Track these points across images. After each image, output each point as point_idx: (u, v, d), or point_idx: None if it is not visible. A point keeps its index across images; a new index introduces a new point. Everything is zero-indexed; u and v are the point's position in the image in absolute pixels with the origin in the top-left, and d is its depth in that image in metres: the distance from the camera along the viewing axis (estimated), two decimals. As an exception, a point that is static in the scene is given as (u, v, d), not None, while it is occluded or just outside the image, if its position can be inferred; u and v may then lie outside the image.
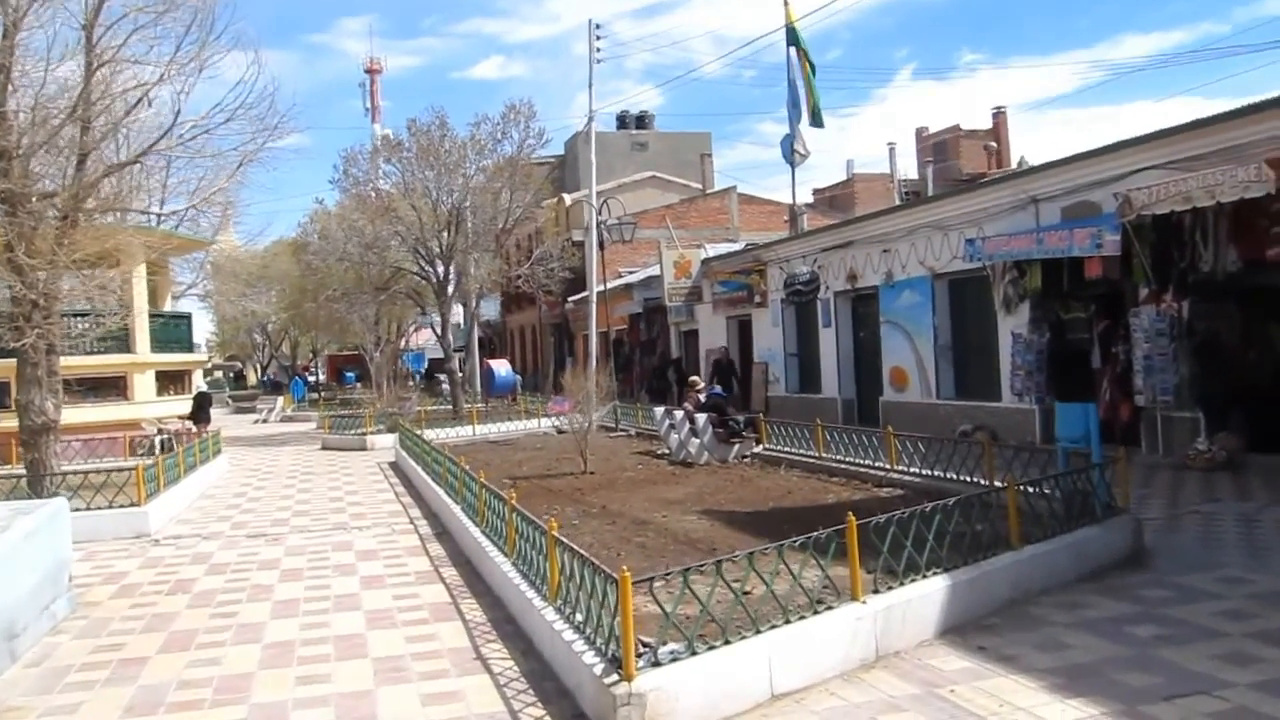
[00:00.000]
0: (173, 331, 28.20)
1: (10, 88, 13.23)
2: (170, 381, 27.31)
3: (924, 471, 12.37)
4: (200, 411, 26.05)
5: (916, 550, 7.02)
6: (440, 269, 28.39)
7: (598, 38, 25.66)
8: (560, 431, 23.85)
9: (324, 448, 25.13)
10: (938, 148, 44.79)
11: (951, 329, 18.62)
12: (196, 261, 42.46)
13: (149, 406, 25.82)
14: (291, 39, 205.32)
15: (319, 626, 8.13)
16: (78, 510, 12.81)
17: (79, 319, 14.32)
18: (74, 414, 24.48)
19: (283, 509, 14.82)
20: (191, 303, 49.83)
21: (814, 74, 25.66)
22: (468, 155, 28.31)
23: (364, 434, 24.38)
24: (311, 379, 58.35)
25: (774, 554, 6.50)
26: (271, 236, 69.47)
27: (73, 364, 25.01)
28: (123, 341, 25.91)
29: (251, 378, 72.47)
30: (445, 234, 28.10)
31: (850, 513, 6.92)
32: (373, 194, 28.28)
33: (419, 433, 19.44)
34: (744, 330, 27.13)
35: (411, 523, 13.18)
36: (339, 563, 10.67)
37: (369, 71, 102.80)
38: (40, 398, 13.40)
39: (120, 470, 14.28)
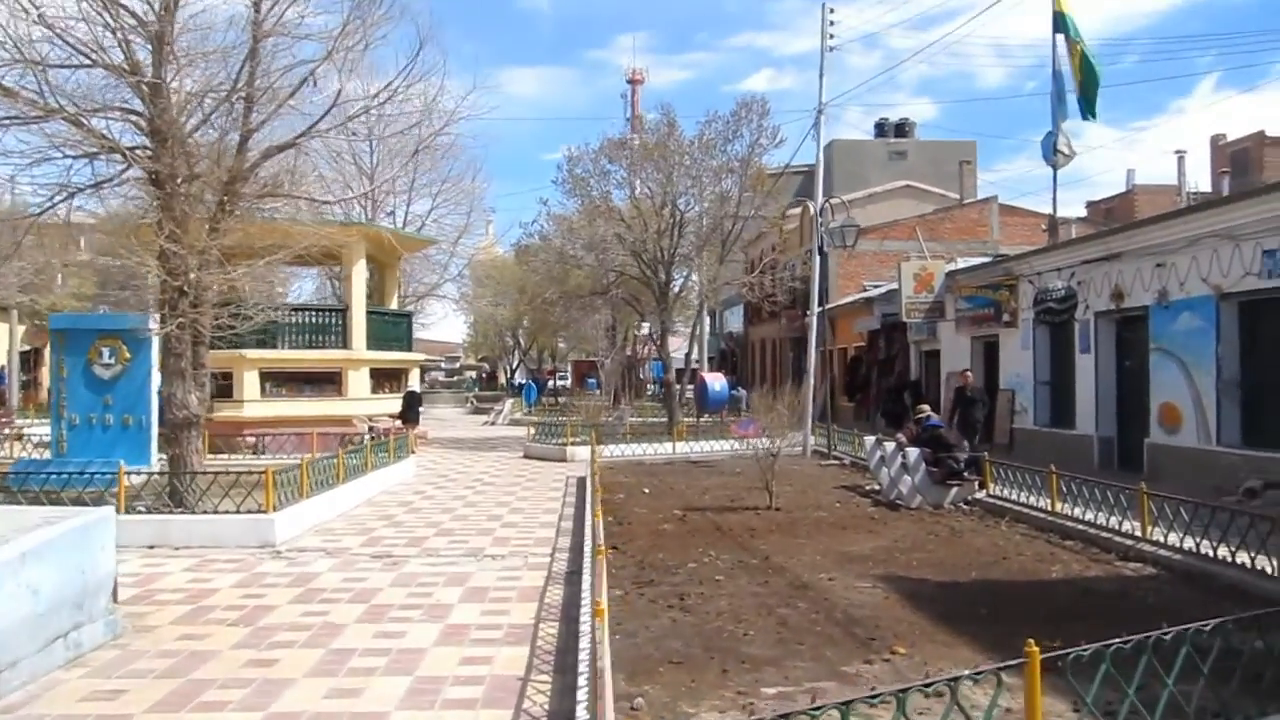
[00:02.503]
0: (391, 330, 28.13)
1: (173, 63, 12.63)
2: (386, 380, 27.16)
3: (1187, 544, 9.41)
4: (409, 411, 25.69)
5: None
6: (661, 274, 26.84)
7: (831, 23, 23.26)
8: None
9: (526, 456, 24.08)
10: (1236, 157, 38.98)
11: (1240, 360, 15.01)
12: (436, 263, 43.21)
13: (362, 404, 25.70)
14: (573, 56, 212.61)
15: (345, 696, 6.48)
16: (204, 514, 12.05)
17: (228, 311, 13.40)
18: (290, 407, 24.75)
19: (431, 525, 13.50)
20: (443, 305, 51.26)
21: (1092, 63, 22.10)
22: (694, 155, 26.62)
23: (564, 444, 23.10)
24: (558, 383, 58.58)
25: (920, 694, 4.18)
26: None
27: (291, 357, 25.36)
28: (341, 338, 25.99)
29: (502, 379, 74.22)
30: (668, 237, 26.54)
31: (1044, 641, 4.49)
32: (595, 195, 27.06)
33: (596, 449, 17.81)
34: (990, 353, 23.90)
35: (551, 555, 11.45)
36: (437, 602, 9.05)
37: (630, 82, 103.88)
38: (183, 391, 12.69)
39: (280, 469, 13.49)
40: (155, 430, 17.24)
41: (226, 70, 12.80)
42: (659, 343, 28.53)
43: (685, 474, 18.88)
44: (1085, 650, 4.37)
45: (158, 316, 12.55)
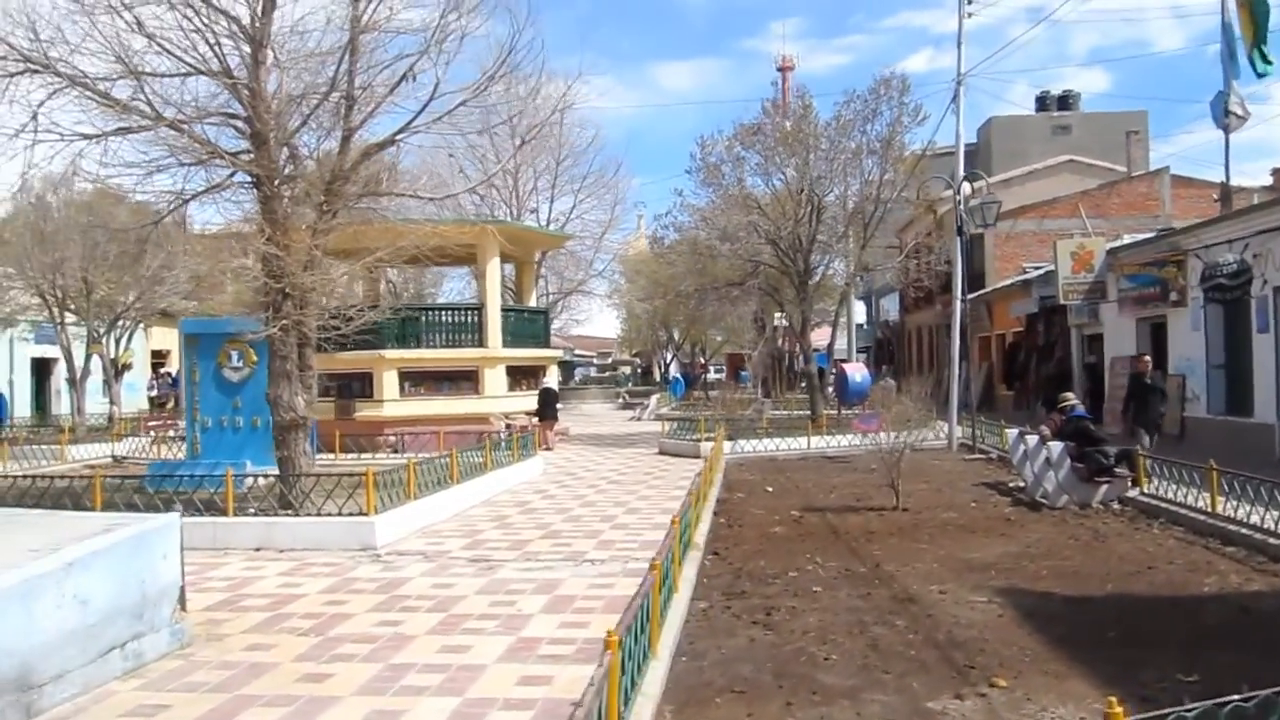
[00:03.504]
0: (528, 327, 28.10)
1: (271, 66, 12.63)
2: (523, 377, 27.13)
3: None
4: (546, 408, 25.57)
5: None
6: (800, 262, 25.84)
7: (969, -12, 21.78)
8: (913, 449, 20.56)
9: (660, 452, 23.57)
10: None
11: None
12: (582, 259, 43.24)
13: (499, 401, 25.73)
14: (725, 46, 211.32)
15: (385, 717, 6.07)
16: (307, 517, 11.98)
17: (331, 313, 13.34)
18: (428, 406, 24.98)
19: (541, 527, 13.11)
20: (594, 301, 51.44)
21: (1263, 10, 19.94)
22: (831, 136, 25.56)
23: (698, 440, 22.48)
24: (708, 377, 57.96)
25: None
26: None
27: (429, 356, 25.59)
28: (477, 335, 26.09)
29: (657, 374, 74.16)
30: (806, 223, 25.53)
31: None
32: (729, 182, 26.29)
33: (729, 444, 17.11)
34: (1157, 335, 22.01)
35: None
36: (517, 612, 8.58)
37: (780, 69, 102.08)
38: (289, 393, 12.68)
39: (393, 467, 13.41)
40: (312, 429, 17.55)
41: (325, 70, 12.69)
42: (799, 333, 27.52)
43: (817, 470, 18.00)
44: (1188, 713, 3.46)
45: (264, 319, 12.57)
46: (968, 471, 17.15)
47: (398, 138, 13.06)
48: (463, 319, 26.67)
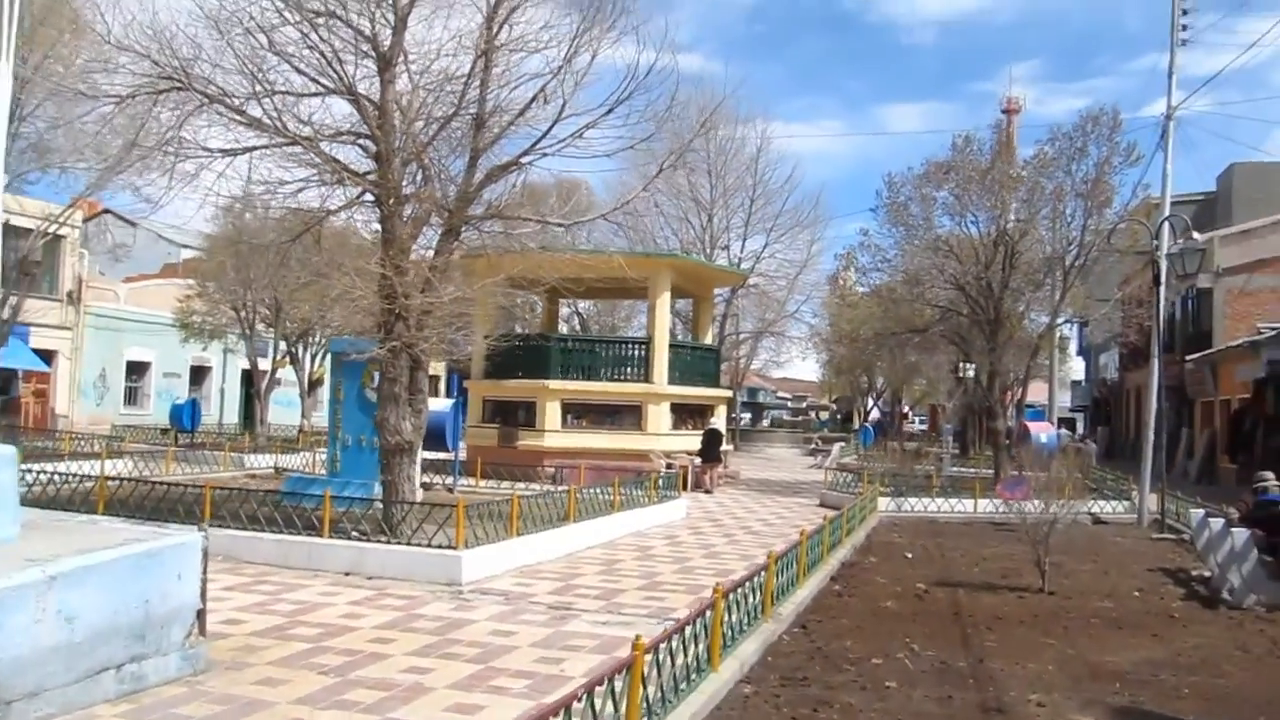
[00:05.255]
0: (698, 364, 27.39)
1: (404, 83, 12.54)
2: (689, 415, 26.41)
3: None
4: (709, 449, 24.76)
5: None
6: (990, 310, 23.98)
7: (1184, 12, 19.63)
8: (1098, 521, 18.50)
9: (821, 504, 22.25)
10: None
11: None
12: (773, 300, 42.21)
13: (661, 439, 25.10)
14: (954, 89, 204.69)
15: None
16: (397, 545, 11.63)
17: (445, 336, 13.05)
18: (589, 439, 24.64)
19: (645, 576, 12.30)
20: (791, 343, 50.26)
21: None
22: (1030, 175, 23.69)
23: (859, 494, 21.04)
24: (901, 427, 55.57)
25: None
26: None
27: (593, 389, 25.29)
28: (643, 370, 25.61)
29: (857, 422, 71.88)
30: (999, 268, 23.69)
31: None
32: (917, 221, 24.78)
33: (869, 501, 15.78)
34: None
35: (741, 624, 9.85)
36: (559, 673, 7.76)
37: (1006, 111, 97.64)
38: (397, 417, 12.42)
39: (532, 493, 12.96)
40: (419, 455, 17.47)
41: (454, 90, 12.48)
42: (987, 385, 25.55)
43: (976, 538, 16.34)
44: None
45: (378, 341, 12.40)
46: (1149, 553, 15.12)
47: (522, 160, 12.68)
48: (629, 353, 26.29)
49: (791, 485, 28.17)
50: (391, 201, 11.96)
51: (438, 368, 53.56)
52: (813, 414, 74.02)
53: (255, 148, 12.55)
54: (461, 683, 7.43)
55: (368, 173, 12.64)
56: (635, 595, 11.00)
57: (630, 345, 26.90)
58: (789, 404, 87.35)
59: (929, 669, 7.89)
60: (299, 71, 11.99)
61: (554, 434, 24.71)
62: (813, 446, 49.85)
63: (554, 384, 24.76)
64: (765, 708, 6.72)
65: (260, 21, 11.55)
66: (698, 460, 24.82)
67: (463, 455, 24.66)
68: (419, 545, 11.46)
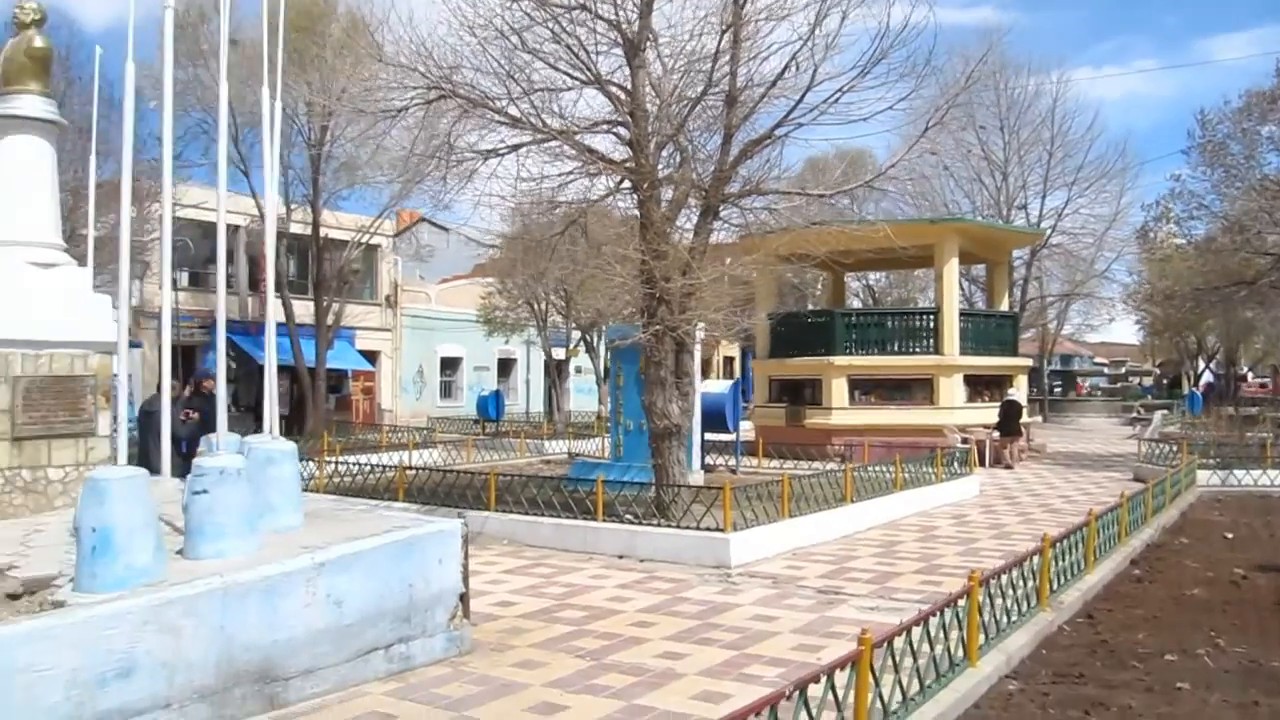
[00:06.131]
0: (993, 333, 25.86)
1: (653, 67, 12.54)
2: (984, 387, 24.99)
3: None
4: (1007, 421, 23.33)
5: None
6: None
7: None
8: None
9: (1135, 478, 20.36)
10: None
11: None
12: (1081, 259, 39.24)
13: (954, 413, 23.94)
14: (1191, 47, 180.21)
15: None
16: (667, 529, 11.69)
17: (700, 316, 12.93)
18: (878, 415, 23.95)
19: (924, 559, 11.67)
20: (1104, 305, 46.76)
21: None
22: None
23: (1177, 467, 19.08)
24: (1237, 391, 50.10)
25: None
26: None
27: (880, 363, 24.51)
28: (932, 342, 24.54)
29: (1185, 386, 65.62)
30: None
31: None
32: (1238, 160, 22.16)
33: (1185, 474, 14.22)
34: None
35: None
36: (817, 660, 7.48)
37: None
38: (664, 400, 12.46)
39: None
40: (699, 438, 17.57)
41: (703, 69, 12.34)
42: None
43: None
44: None
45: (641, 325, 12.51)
46: None
47: (776, 132, 12.34)
48: (918, 324, 25.23)
49: (1103, 459, 26.05)
50: (646, 186, 12.00)
51: (731, 348, 54.09)
52: (1134, 380, 68.24)
53: (519, 146, 12.96)
54: (713, 669, 7.29)
55: (624, 160, 12.75)
56: (911, 580, 10.44)
57: (919, 316, 25.82)
58: (1106, 370, 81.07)
59: (1234, 669, 6.90)
60: (552, 68, 12.26)
61: (841, 411, 24.15)
62: (1133, 415, 46.04)
63: (840, 360, 24.20)
64: (1030, 708, 6.10)
65: (512, 23, 11.89)
66: (996, 434, 23.46)
67: (750, 435, 24.69)
68: (688, 528, 11.45)
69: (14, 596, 6.25)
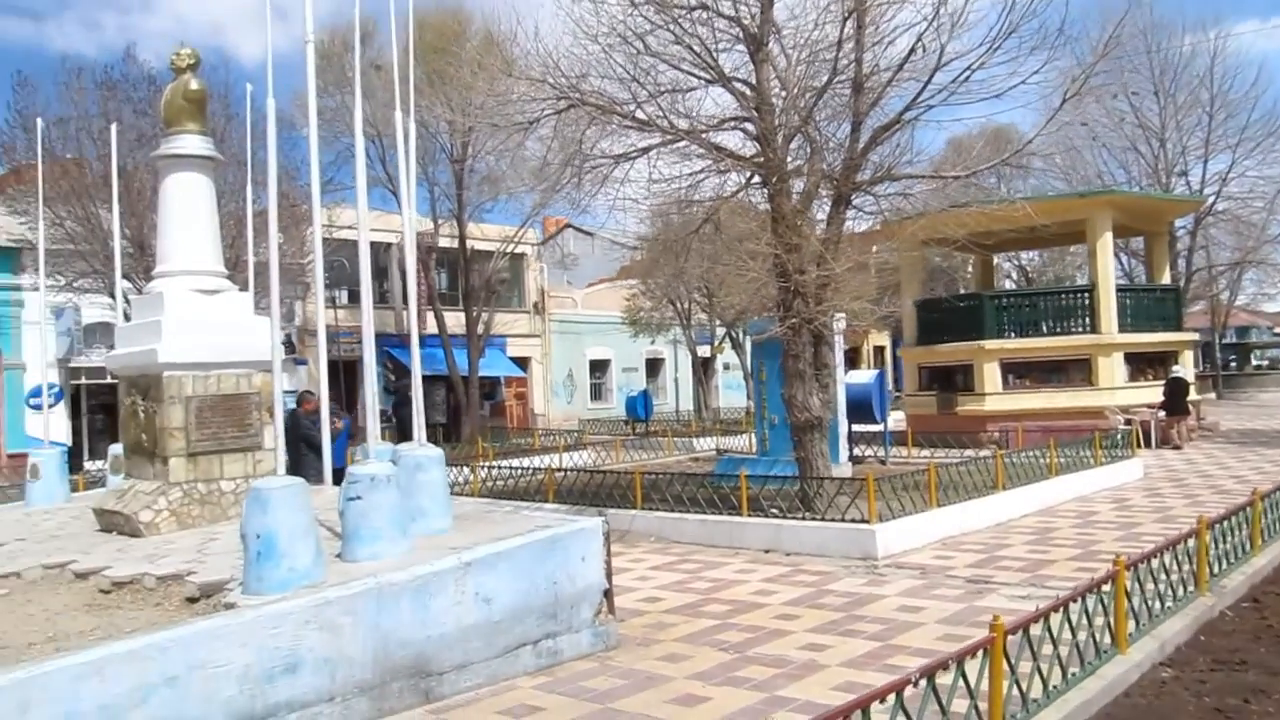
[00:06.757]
0: (1154, 307, 24.69)
1: (784, 59, 12.54)
2: (1147, 365, 23.89)
3: None
4: (1174, 400, 22.25)
5: None
6: None
7: None
8: None
9: (1322, 456, 19.16)
10: None
11: None
12: (1251, 225, 37.01)
13: (1114, 393, 22.98)
14: None
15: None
16: (811, 521, 11.66)
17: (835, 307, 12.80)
18: (1033, 399, 23.24)
19: (1081, 545, 11.29)
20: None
21: None
22: None
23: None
24: None
25: None
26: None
27: (1032, 345, 23.74)
28: (1088, 320, 23.63)
29: None
30: None
31: None
32: None
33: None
34: None
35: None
36: (936, 650, 7.39)
37: None
38: (804, 393, 12.43)
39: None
40: (845, 430, 17.41)
41: (827, 58, 12.26)
42: None
43: None
44: None
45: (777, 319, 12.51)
46: None
47: (905, 116, 12.15)
48: (1072, 303, 24.30)
49: (1284, 436, 24.57)
50: (776, 180, 12.00)
51: (880, 337, 53.14)
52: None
53: (649, 149, 13.14)
54: (856, 660, 7.28)
55: (753, 155, 12.78)
56: (1065, 567, 10.13)
57: (1073, 294, 24.84)
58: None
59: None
60: (676, 69, 12.39)
61: (995, 397, 23.52)
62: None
63: (990, 344, 23.56)
64: (1184, 695, 5.87)
65: (634, 28, 12.07)
66: (1161, 414, 22.41)
67: (902, 425, 24.29)
68: (833, 520, 11.40)
69: (192, 600, 6.77)
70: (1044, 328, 24.02)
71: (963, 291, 32.93)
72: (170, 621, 6.19)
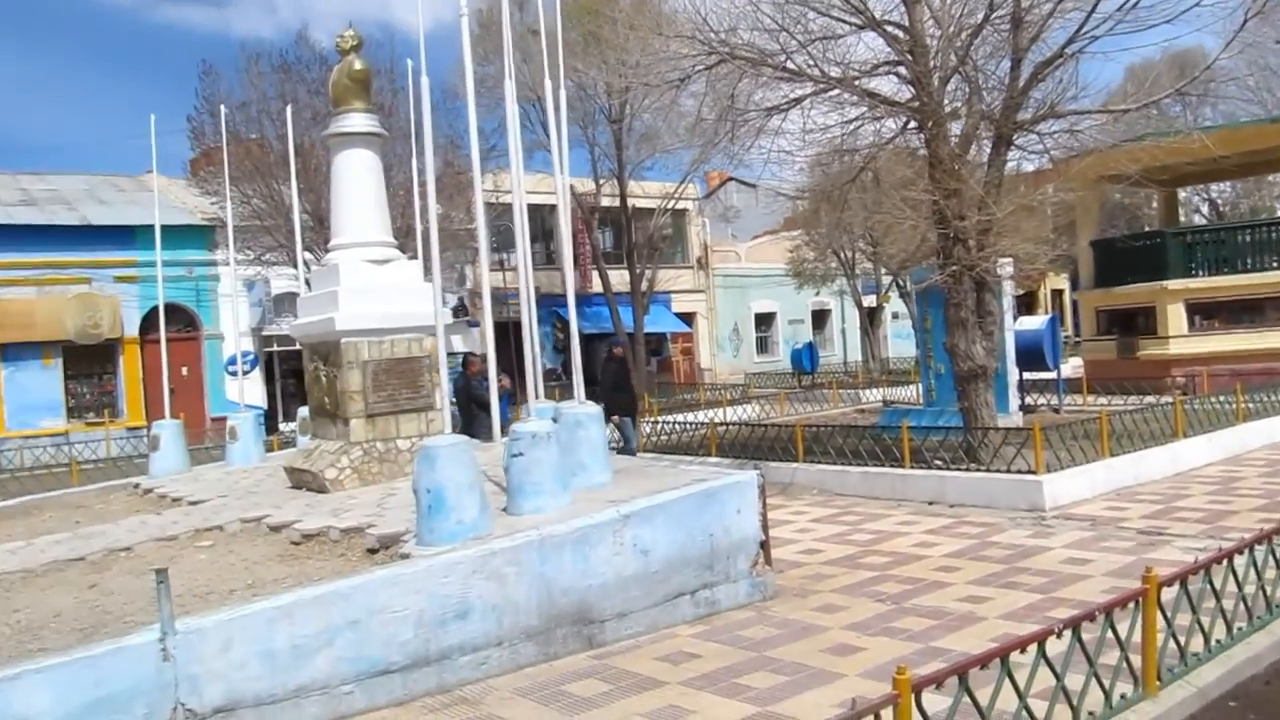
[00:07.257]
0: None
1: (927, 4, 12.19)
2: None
3: None
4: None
5: None
6: None
7: None
8: None
9: None
10: None
11: None
12: None
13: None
14: None
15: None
16: (976, 473, 11.45)
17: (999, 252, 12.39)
18: (1222, 342, 21.97)
19: (1270, 494, 10.78)
20: None
21: None
22: None
23: None
24: None
25: None
26: None
27: (1221, 284, 22.37)
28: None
29: None
30: None
31: None
32: None
33: None
34: None
35: None
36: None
37: None
38: (966, 342, 12.16)
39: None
40: (1015, 379, 16.92)
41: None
42: None
43: None
44: None
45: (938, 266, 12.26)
46: None
47: (1068, 50, 11.61)
48: (1267, 237, 22.69)
49: None
50: (933, 124, 11.71)
51: (1059, 280, 50.92)
52: None
53: (800, 99, 13.01)
54: (1016, 613, 7.20)
55: (908, 100, 12.49)
56: (1247, 518, 9.66)
57: (1268, 228, 23.20)
58: None
59: None
60: (825, 15, 12.19)
61: (1180, 339, 22.28)
62: None
63: (1174, 284, 22.30)
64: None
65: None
66: (1373, 353, 20.79)
67: (1080, 372, 23.39)
68: (998, 471, 11.18)
69: (372, 551, 7.27)
70: (1236, 265, 22.53)
71: (1146, 229, 31.25)
72: (352, 570, 6.69)
